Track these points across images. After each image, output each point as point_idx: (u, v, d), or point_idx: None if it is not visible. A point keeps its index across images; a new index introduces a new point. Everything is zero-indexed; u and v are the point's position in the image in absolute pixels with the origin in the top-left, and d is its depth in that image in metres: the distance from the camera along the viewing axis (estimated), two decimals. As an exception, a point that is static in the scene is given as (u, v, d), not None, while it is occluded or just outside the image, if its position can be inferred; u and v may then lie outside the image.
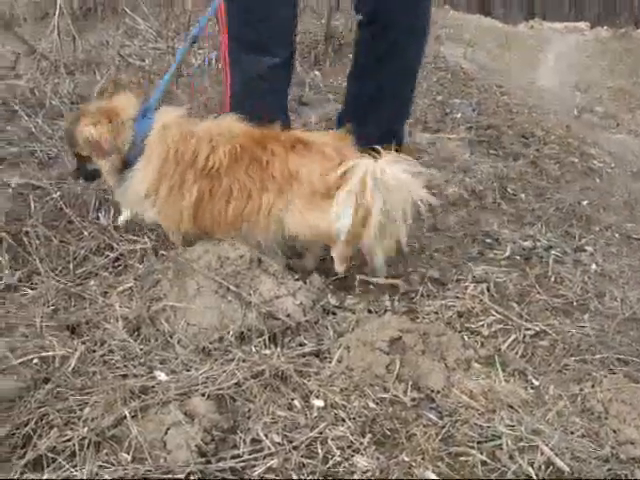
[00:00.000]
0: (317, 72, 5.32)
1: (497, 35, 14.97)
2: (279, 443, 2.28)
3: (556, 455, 2.30)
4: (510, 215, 3.89)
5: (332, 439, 2.31)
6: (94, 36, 5.97)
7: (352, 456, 2.27)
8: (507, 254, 3.46)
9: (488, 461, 2.28)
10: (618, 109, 8.90)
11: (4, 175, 3.55)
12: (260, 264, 2.86)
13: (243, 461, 2.18)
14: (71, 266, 3.05)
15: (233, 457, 2.19)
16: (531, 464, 2.27)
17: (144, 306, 2.75)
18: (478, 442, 2.35)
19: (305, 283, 2.93)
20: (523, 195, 4.17)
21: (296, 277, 2.95)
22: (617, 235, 3.91)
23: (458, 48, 9.36)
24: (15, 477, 2.10)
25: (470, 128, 5.03)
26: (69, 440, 2.19)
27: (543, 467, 2.27)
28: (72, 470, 2.09)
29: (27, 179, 3.54)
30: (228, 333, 2.65)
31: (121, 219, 3.25)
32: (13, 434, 2.24)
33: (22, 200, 3.35)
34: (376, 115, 3.52)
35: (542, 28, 19.37)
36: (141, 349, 2.59)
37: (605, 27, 17.92)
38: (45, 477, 2.08)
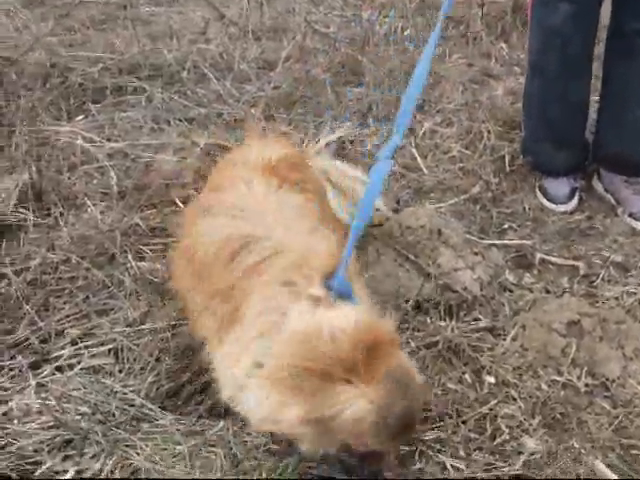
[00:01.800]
0: (504, 44, 5.20)
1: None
2: (449, 415, 2.30)
3: None
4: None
5: (502, 417, 2.32)
6: (281, 3, 6.05)
7: (520, 436, 2.27)
8: (696, 242, 3.28)
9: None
10: None
11: (194, 135, 3.70)
12: (440, 235, 2.86)
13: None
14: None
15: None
16: None
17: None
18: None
19: (484, 258, 2.91)
20: None
21: (475, 251, 2.93)
22: None
23: None
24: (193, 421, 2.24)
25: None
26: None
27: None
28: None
29: (215, 139, 3.67)
30: (405, 302, 2.67)
31: None
32: (192, 381, 2.37)
33: (210, 160, 3.47)
34: None
35: None
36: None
37: None
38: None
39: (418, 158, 3.68)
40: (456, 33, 5.11)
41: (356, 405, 1.61)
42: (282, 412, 1.68)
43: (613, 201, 3.41)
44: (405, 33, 4.88)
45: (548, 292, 2.90)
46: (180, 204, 3.19)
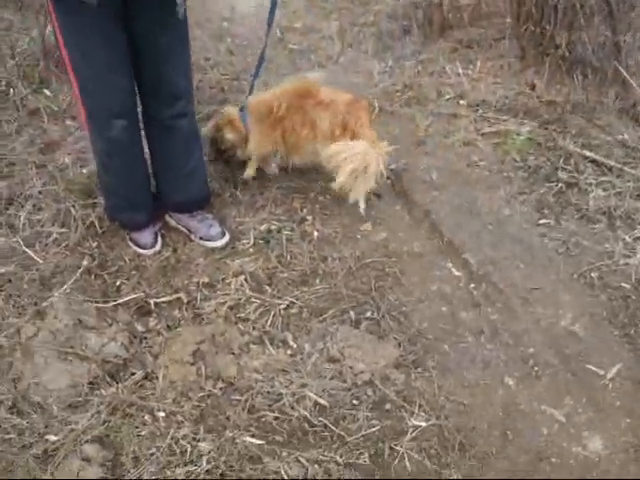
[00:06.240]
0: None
1: None
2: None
3: (319, 397, 3.38)
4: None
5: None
6: None
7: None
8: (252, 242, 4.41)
9: (279, 416, 3.30)
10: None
11: None
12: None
13: None
14: None
15: None
16: (305, 408, 3.33)
17: None
18: (269, 405, 3.35)
19: (116, 321, 3.78)
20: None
21: (107, 318, 3.76)
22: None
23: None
24: None
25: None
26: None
27: (313, 408, 3.34)
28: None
29: None
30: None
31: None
32: None
33: None
34: None
35: None
36: None
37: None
38: None
39: (28, 250, 4.13)
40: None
41: None
42: None
43: (186, 230, 4.52)
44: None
45: (169, 328, 3.78)
46: None
